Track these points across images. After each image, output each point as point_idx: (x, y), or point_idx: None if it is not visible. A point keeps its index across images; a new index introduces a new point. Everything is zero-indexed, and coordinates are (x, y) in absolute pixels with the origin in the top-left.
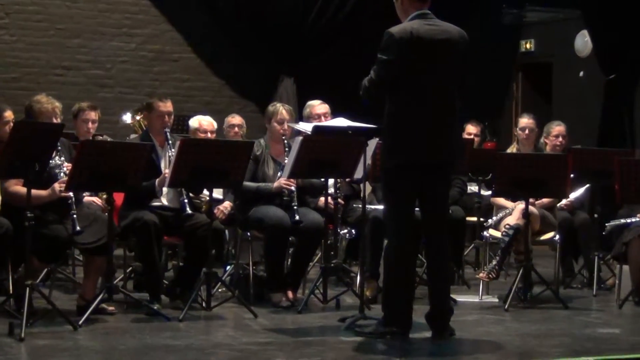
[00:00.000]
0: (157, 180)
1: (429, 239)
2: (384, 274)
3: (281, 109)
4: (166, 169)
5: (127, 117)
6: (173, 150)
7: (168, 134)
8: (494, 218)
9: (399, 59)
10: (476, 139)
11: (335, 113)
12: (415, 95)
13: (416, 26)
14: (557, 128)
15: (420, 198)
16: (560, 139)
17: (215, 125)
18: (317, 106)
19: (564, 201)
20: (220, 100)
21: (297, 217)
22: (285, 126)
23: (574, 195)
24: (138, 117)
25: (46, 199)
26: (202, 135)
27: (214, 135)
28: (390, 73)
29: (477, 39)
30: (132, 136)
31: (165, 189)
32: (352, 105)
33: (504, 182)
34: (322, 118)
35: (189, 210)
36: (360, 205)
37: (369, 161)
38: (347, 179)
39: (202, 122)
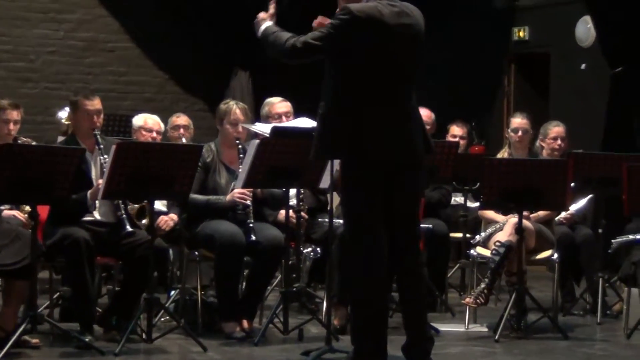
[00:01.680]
0: (89, 192)
1: (397, 255)
2: (350, 292)
3: (234, 108)
4: (99, 179)
5: (64, 114)
6: (105, 156)
7: (98, 136)
8: (482, 234)
9: (354, 40)
10: (462, 141)
11: (297, 112)
12: (372, 86)
13: (380, 7)
14: (555, 129)
15: (383, 206)
16: (559, 141)
17: (162, 126)
18: (277, 104)
19: (563, 214)
20: (164, 97)
21: (253, 237)
22: (240, 128)
23: (575, 207)
24: None
25: None
26: (147, 135)
27: (160, 137)
28: (334, 50)
29: (463, 25)
30: (60, 139)
31: (97, 202)
32: (317, 103)
33: (494, 192)
34: (283, 118)
35: (129, 228)
36: (326, 220)
37: (337, 168)
38: (312, 189)
39: (147, 120)
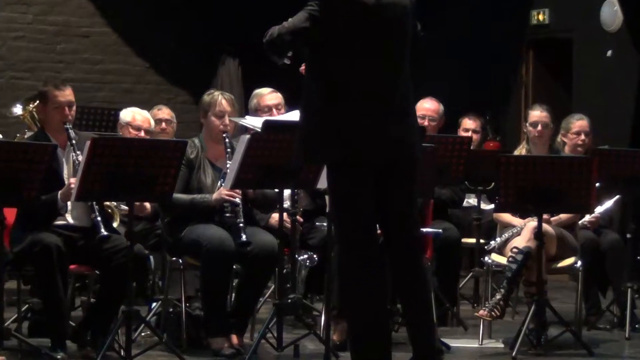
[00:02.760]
0: (59, 192)
1: (397, 260)
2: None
3: (221, 99)
4: (71, 178)
5: (18, 109)
6: (78, 152)
7: (70, 131)
8: (498, 239)
9: (329, 25)
10: (475, 136)
11: (291, 105)
12: (353, 67)
13: None
14: (579, 123)
15: (377, 209)
16: (582, 136)
17: (152, 123)
18: (267, 96)
19: (587, 217)
20: (144, 88)
21: (243, 237)
22: (227, 121)
23: (601, 209)
24: (31, 107)
25: None
26: (134, 133)
27: (150, 136)
28: (318, 26)
29: (475, 8)
30: (29, 134)
31: (70, 204)
32: None
33: (511, 193)
34: (274, 111)
35: (104, 232)
36: (324, 224)
37: None
38: (308, 190)
39: (136, 116)
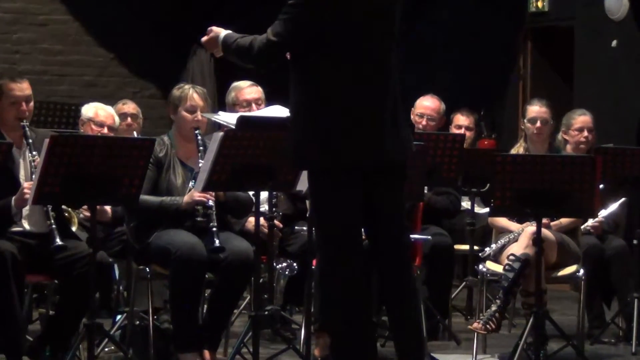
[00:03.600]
0: (13, 198)
1: (384, 270)
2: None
3: (191, 92)
4: (26, 182)
5: None
6: (34, 152)
7: (27, 128)
8: (493, 246)
9: (320, 15)
10: (468, 133)
11: (270, 99)
12: (341, 70)
13: None
14: (580, 119)
15: (364, 214)
16: (585, 133)
17: (117, 120)
18: (246, 89)
19: (590, 222)
20: (107, 81)
21: (217, 243)
22: (199, 116)
23: (605, 213)
24: None
25: None
26: (96, 130)
27: (114, 134)
28: (301, 33)
29: None
30: None
31: (26, 208)
32: None
33: (507, 196)
34: (253, 106)
35: (59, 241)
36: (305, 229)
37: None
38: (288, 192)
39: (99, 112)
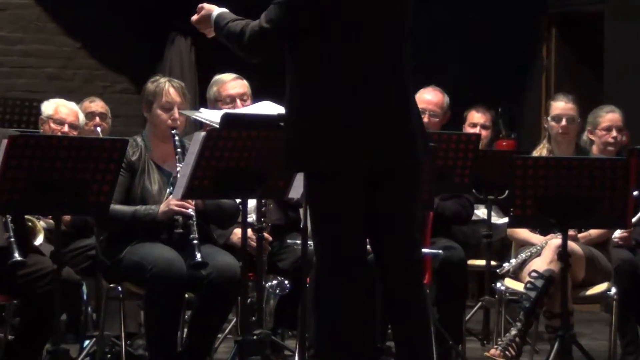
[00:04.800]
0: None
1: (390, 289)
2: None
3: (167, 87)
4: None
5: None
6: None
7: None
8: (513, 261)
9: (307, 14)
10: (484, 133)
11: (258, 95)
12: (342, 64)
13: None
14: (609, 117)
15: (368, 225)
16: (614, 133)
17: (81, 117)
18: (229, 83)
19: (618, 232)
20: (73, 74)
21: (198, 257)
22: (176, 114)
23: (634, 219)
24: None
25: None
26: (57, 128)
27: (77, 133)
28: (296, 18)
29: None
30: None
31: None
32: (283, 81)
33: (529, 204)
34: (238, 102)
35: (17, 256)
36: (298, 242)
37: None
38: (278, 200)
39: (60, 108)
